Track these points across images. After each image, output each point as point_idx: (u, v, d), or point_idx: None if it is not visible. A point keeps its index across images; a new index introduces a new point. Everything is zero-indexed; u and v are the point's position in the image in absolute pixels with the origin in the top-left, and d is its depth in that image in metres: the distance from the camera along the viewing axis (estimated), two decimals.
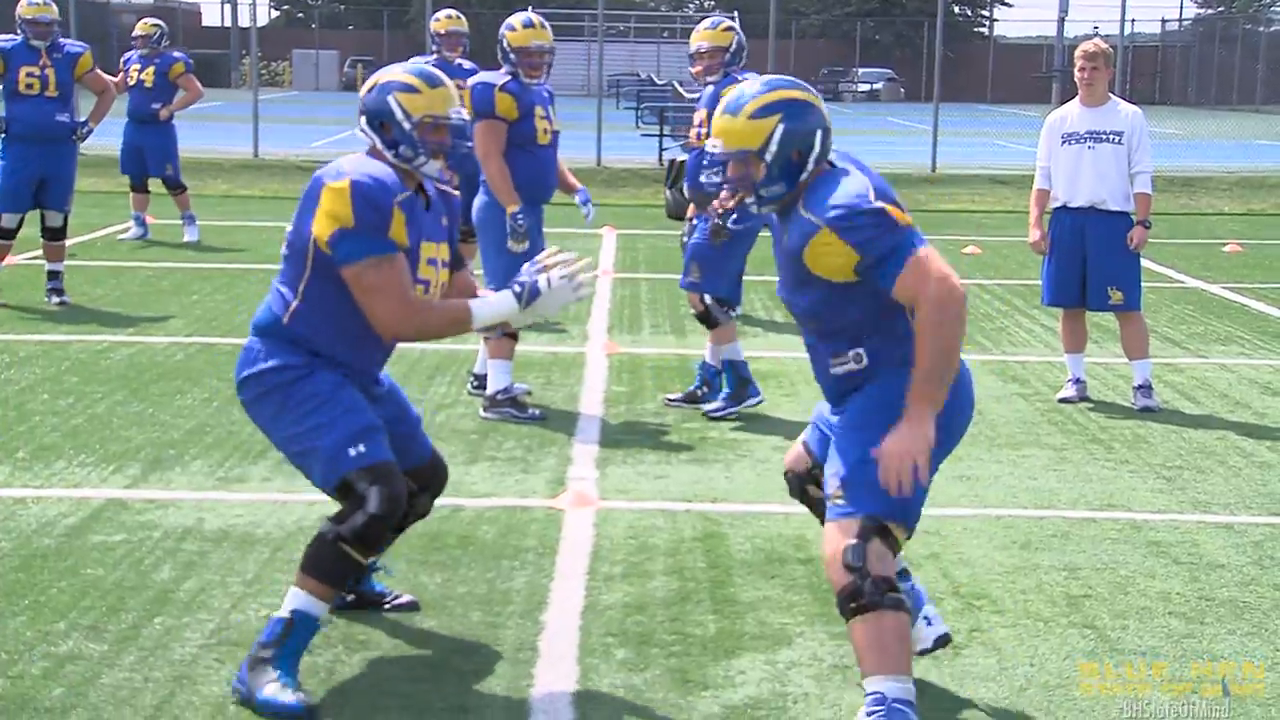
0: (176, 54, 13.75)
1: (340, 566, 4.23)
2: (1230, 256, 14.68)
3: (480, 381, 7.86)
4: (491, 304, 4.37)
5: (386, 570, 4.96)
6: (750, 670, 4.52)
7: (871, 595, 3.79)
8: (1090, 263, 8.09)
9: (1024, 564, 5.51)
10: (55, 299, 10.33)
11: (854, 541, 3.83)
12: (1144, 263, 8.94)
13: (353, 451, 4.21)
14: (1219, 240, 15.79)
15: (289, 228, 4.35)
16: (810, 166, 3.97)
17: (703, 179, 4.13)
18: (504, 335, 7.50)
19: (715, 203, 4.11)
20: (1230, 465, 6.98)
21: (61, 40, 10.44)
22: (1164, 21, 63.49)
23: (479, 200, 7.57)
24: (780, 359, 9.00)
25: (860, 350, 4.02)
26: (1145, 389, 8.08)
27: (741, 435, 7.33)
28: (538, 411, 7.56)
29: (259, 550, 5.45)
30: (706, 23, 7.90)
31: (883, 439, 3.81)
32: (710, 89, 7.71)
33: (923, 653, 4.34)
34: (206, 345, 9.14)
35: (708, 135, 7.58)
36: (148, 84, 13.47)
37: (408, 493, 4.38)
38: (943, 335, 3.80)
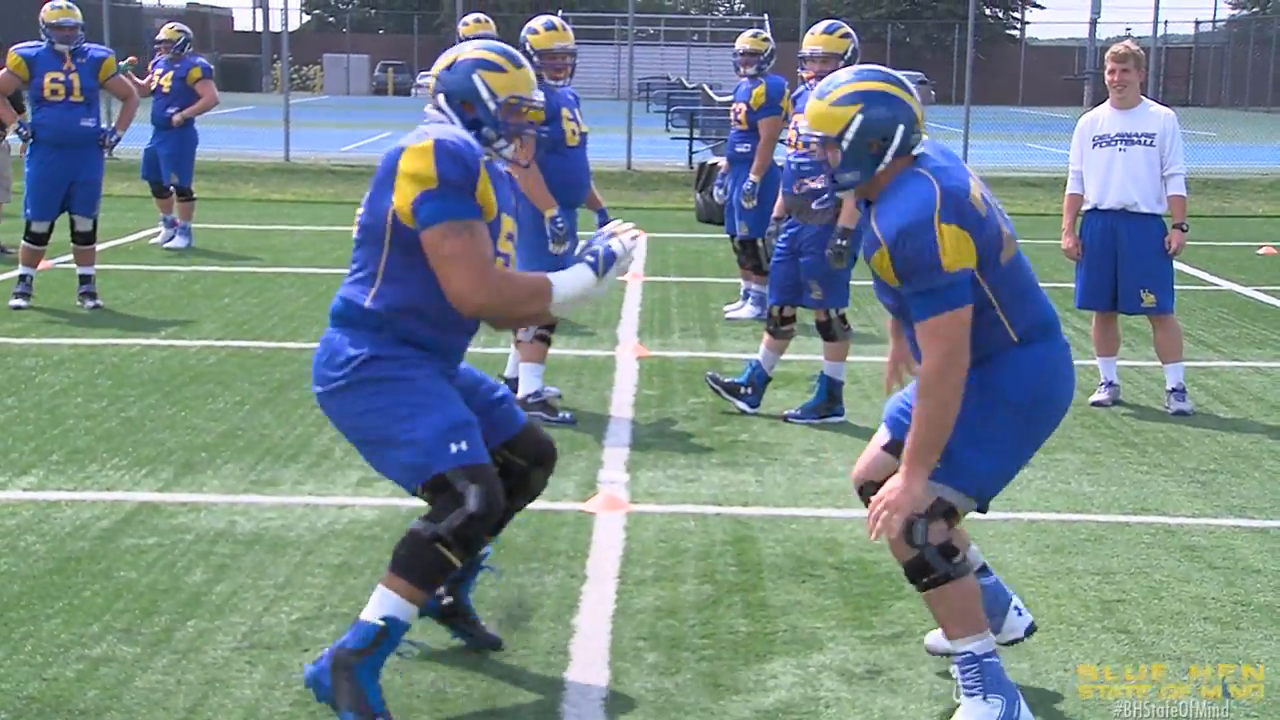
0: (195, 59, 13.74)
1: (436, 568, 4.00)
2: (1264, 259, 14.58)
3: (511, 385, 7.86)
4: (570, 277, 4.18)
5: (494, 570, 4.77)
6: (781, 674, 4.50)
7: (939, 567, 3.96)
8: (1122, 265, 8.05)
9: (1057, 568, 5.49)
10: (88, 303, 10.39)
11: (920, 518, 3.92)
12: (1177, 265, 8.90)
13: (454, 448, 3.99)
14: (1253, 243, 15.69)
15: (359, 211, 4.17)
16: (889, 159, 3.94)
17: (790, 158, 4.11)
18: (536, 338, 7.51)
19: (806, 181, 4.15)
20: (1265, 469, 6.93)
21: (86, 45, 10.46)
22: (1197, 23, 63.20)
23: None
24: (804, 361, 8.98)
25: None
26: (1179, 392, 8.03)
27: (772, 439, 7.32)
28: (569, 415, 7.57)
29: (291, 553, 5.46)
30: (822, 27, 7.77)
31: (984, 426, 3.95)
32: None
33: (1013, 642, 4.46)
34: (239, 349, 9.18)
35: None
36: (166, 89, 13.46)
37: (519, 470, 4.31)
38: (932, 404, 3.87)
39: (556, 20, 7.73)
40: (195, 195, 13.95)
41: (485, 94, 4.20)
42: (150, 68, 13.87)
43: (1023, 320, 4.01)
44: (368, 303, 4.11)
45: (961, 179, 3.94)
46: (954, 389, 3.86)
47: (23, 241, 10.42)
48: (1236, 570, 5.51)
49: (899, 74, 4.08)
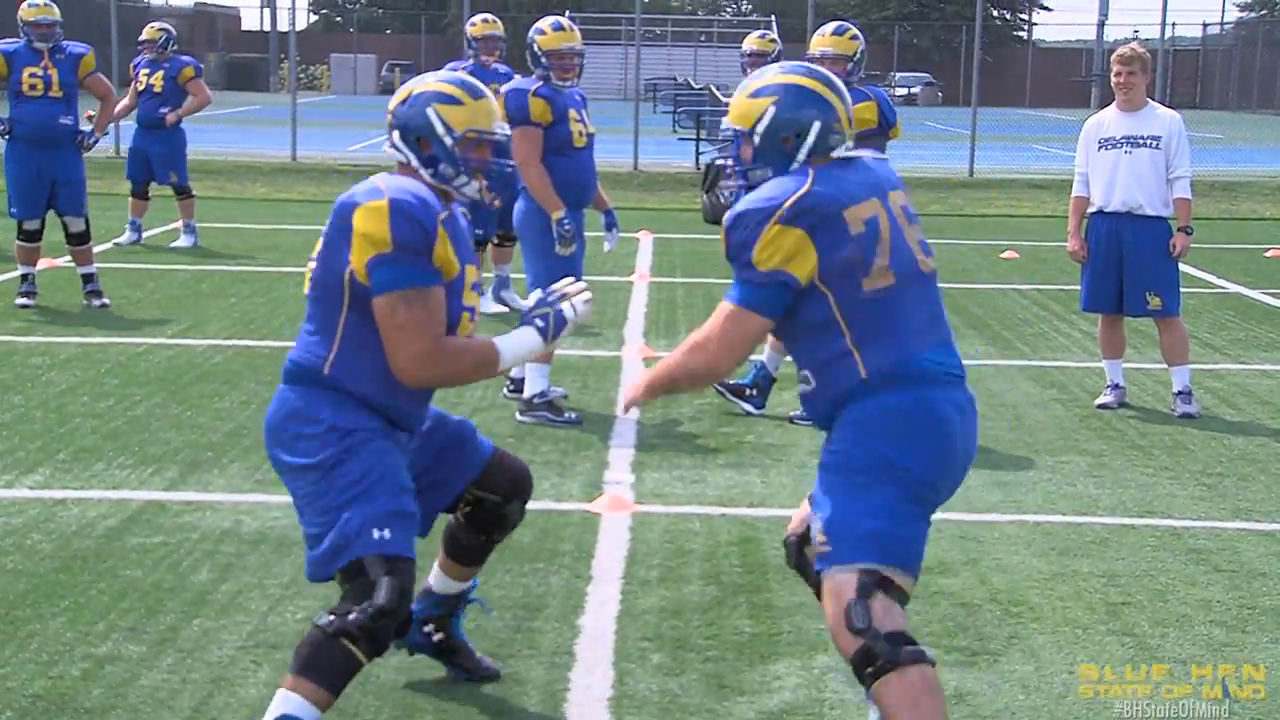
0: (185, 58, 13.71)
1: (343, 666, 3.70)
2: (1272, 261, 14.56)
3: (517, 385, 7.86)
4: (516, 342, 4.02)
5: (483, 604, 4.57)
6: (787, 676, 4.50)
7: (888, 655, 3.47)
8: (1127, 268, 8.04)
9: (1063, 571, 5.48)
10: (96, 301, 10.39)
11: (853, 601, 3.50)
12: (1184, 268, 8.90)
13: (377, 534, 3.75)
14: (1260, 245, 15.67)
15: (312, 264, 3.91)
16: (801, 157, 3.69)
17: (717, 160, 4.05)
18: None
19: (723, 181, 3.96)
20: (1272, 472, 6.92)
21: (64, 42, 10.39)
22: (1205, 25, 63.23)
23: (520, 206, 7.58)
24: None
25: (806, 372, 3.75)
26: (1185, 395, 8.02)
27: (778, 440, 7.32)
28: (574, 415, 7.57)
29: (296, 553, 5.46)
30: (831, 28, 7.71)
31: (852, 489, 3.61)
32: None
33: None
34: (245, 348, 9.19)
35: None
36: (157, 89, 13.39)
37: (492, 505, 4.19)
38: (684, 365, 3.81)
39: (564, 21, 7.73)
40: (195, 193, 13.94)
41: (441, 129, 3.92)
42: (132, 69, 13.74)
43: (877, 361, 3.61)
44: (326, 368, 3.87)
45: (848, 192, 3.64)
46: (701, 369, 3.78)
47: (16, 241, 10.40)
48: (1242, 573, 5.51)
49: (828, 72, 3.87)
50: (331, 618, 3.71)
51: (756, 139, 3.74)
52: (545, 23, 7.69)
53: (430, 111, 3.93)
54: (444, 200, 3.94)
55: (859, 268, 3.61)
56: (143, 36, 13.66)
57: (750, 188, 3.76)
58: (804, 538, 3.95)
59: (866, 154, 3.85)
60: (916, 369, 3.64)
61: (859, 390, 3.63)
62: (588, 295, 4.18)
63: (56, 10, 10.41)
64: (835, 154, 3.73)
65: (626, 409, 4.05)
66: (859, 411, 3.63)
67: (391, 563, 3.75)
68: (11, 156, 10.29)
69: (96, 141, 10.60)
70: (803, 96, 3.71)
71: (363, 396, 3.86)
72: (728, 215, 3.71)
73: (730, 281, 3.73)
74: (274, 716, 3.69)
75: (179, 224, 13.81)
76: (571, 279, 4.27)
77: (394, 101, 4.02)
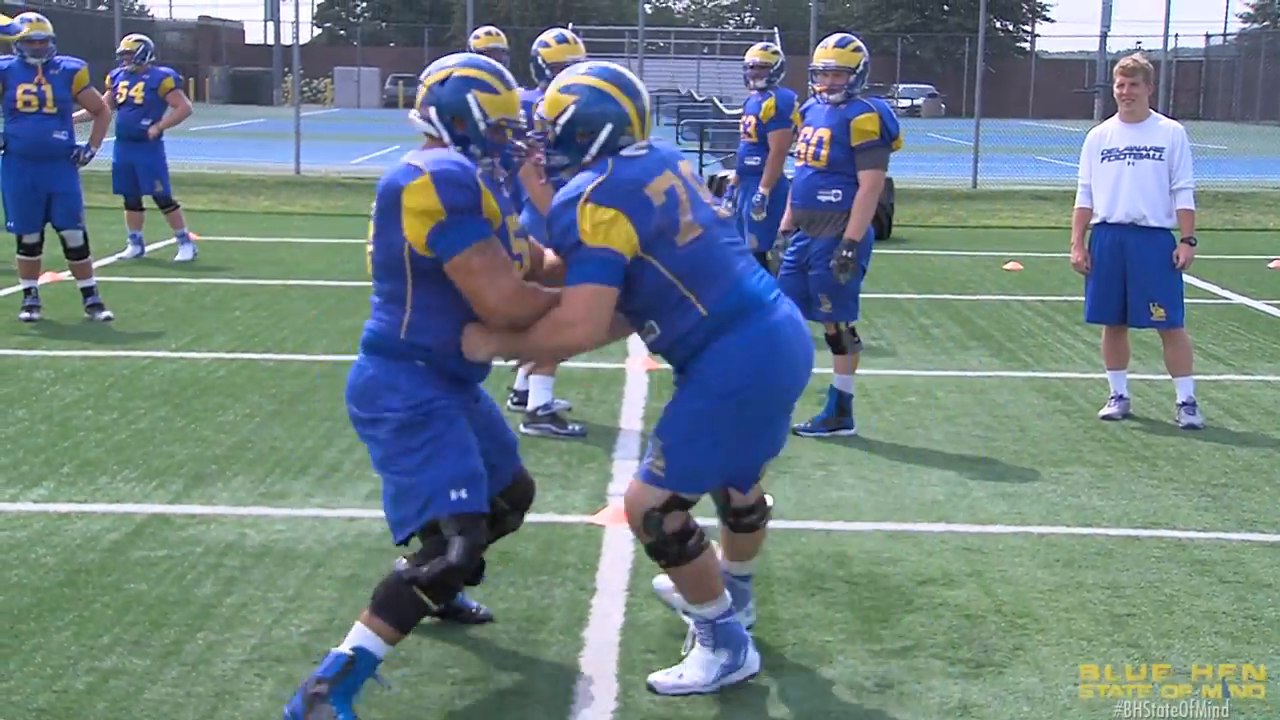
0: (164, 69, 13.70)
1: (412, 610, 4.17)
2: (1275, 273, 14.56)
3: (521, 397, 7.87)
4: None
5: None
6: (791, 688, 4.50)
7: (678, 552, 4.33)
8: (1131, 279, 8.03)
9: (1067, 582, 5.48)
10: (99, 314, 10.40)
11: (655, 511, 4.30)
12: (1187, 279, 8.89)
13: (454, 495, 4.16)
14: (1264, 256, 15.67)
15: (370, 249, 4.25)
16: (594, 151, 4.22)
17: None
18: None
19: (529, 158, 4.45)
20: (1277, 483, 6.91)
21: (58, 57, 10.41)
22: (1208, 36, 63.25)
23: (524, 218, 7.56)
24: (813, 375, 8.97)
25: (651, 322, 4.29)
26: (1189, 406, 8.02)
27: (782, 452, 7.29)
28: (578, 427, 7.57)
29: (300, 566, 5.47)
30: (834, 40, 7.68)
31: (696, 421, 4.27)
32: (824, 109, 7.60)
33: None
34: (249, 361, 9.19)
35: (827, 155, 7.63)
36: (138, 100, 13.38)
37: (500, 511, 4.53)
38: (529, 338, 4.22)
39: (568, 34, 7.76)
40: (180, 203, 13.93)
41: (477, 113, 4.26)
42: (109, 81, 13.71)
43: (713, 296, 4.22)
44: (402, 334, 4.22)
45: (645, 169, 4.21)
46: (572, 346, 4.26)
47: (17, 256, 10.41)
48: (1247, 585, 5.50)
49: (632, 77, 4.36)
50: (408, 566, 4.15)
51: (557, 129, 4.27)
52: (550, 35, 7.71)
53: (470, 96, 4.26)
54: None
55: (669, 229, 4.19)
56: (120, 48, 13.64)
57: (549, 169, 4.33)
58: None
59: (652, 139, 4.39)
60: (750, 295, 4.27)
61: (700, 326, 4.23)
62: None
63: (49, 26, 10.43)
64: (625, 152, 4.25)
65: (469, 354, 4.28)
66: (717, 350, 4.23)
67: (465, 522, 4.16)
68: (7, 172, 10.30)
69: (92, 156, 10.61)
70: (601, 99, 4.26)
71: (436, 353, 4.22)
72: (550, 209, 4.22)
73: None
74: (350, 645, 4.13)
75: (183, 242, 13.80)
76: None
77: (431, 78, 4.33)
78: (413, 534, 4.27)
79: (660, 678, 4.46)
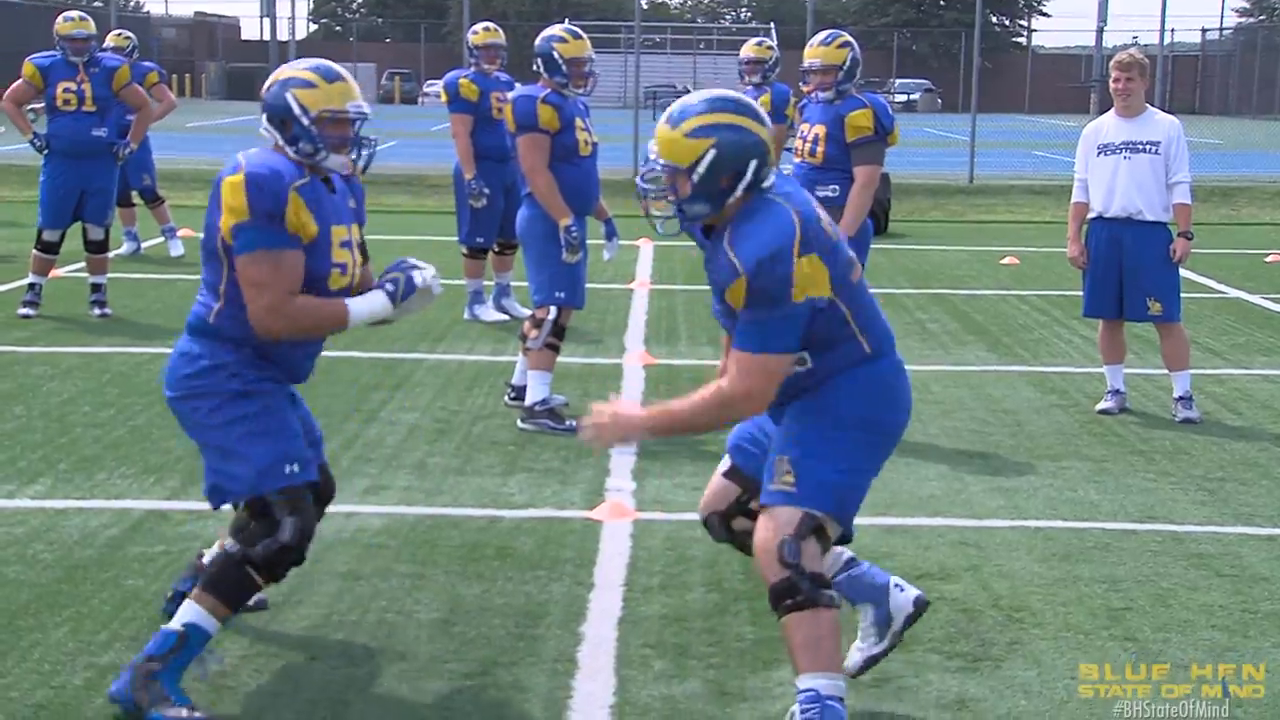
0: (148, 64, 13.70)
1: (242, 587, 4.23)
2: (1272, 266, 14.57)
3: (518, 393, 7.87)
4: (366, 304, 4.34)
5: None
6: (789, 682, 4.48)
7: (810, 593, 3.85)
8: (1127, 274, 8.04)
9: (1064, 576, 5.48)
10: (97, 311, 10.42)
11: (790, 537, 3.87)
12: (1184, 273, 8.90)
13: (288, 469, 4.22)
14: (1260, 250, 15.68)
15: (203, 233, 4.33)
16: (739, 193, 3.88)
17: (637, 179, 4.11)
18: (545, 346, 7.52)
19: (644, 203, 4.09)
20: (1274, 477, 6.92)
21: (99, 55, 10.53)
22: (1204, 31, 63.26)
23: (523, 213, 7.58)
24: None
25: (805, 354, 3.94)
26: (1186, 400, 8.02)
27: None
28: (575, 423, 7.54)
29: None
30: (820, 38, 7.69)
31: (831, 442, 3.93)
32: (819, 105, 7.61)
33: (909, 620, 4.36)
34: None
35: (823, 151, 7.61)
36: None
37: None
38: (700, 416, 3.92)
39: (579, 30, 7.80)
40: (165, 197, 13.93)
41: (298, 110, 4.29)
42: None
43: (874, 334, 4.00)
44: (212, 319, 4.29)
45: (811, 206, 3.92)
46: (721, 419, 3.94)
47: (34, 251, 10.45)
48: (1244, 578, 5.51)
49: (751, 101, 3.98)
50: (239, 546, 4.22)
51: (696, 178, 3.88)
52: (563, 31, 7.71)
53: (289, 95, 4.31)
54: (307, 171, 4.28)
55: (847, 265, 3.95)
56: (108, 44, 13.62)
57: (685, 219, 3.98)
58: (726, 513, 4.28)
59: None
60: (892, 338, 4.09)
61: (862, 362, 3.97)
62: (434, 270, 4.53)
63: (92, 24, 10.51)
64: (766, 184, 3.91)
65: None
66: (854, 379, 3.97)
67: (295, 501, 4.23)
68: (47, 169, 10.39)
69: (131, 152, 10.68)
70: (740, 135, 3.87)
71: (246, 344, 4.26)
72: (744, 265, 3.78)
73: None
74: (180, 622, 4.18)
75: (170, 236, 13.74)
76: (412, 259, 4.52)
77: (264, 88, 4.40)
78: (233, 502, 4.30)
79: None
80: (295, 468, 4.23)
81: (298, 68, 4.39)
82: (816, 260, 3.81)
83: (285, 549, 4.20)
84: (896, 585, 4.39)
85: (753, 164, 3.87)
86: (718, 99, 3.96)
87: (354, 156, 4.38)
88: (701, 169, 3.86)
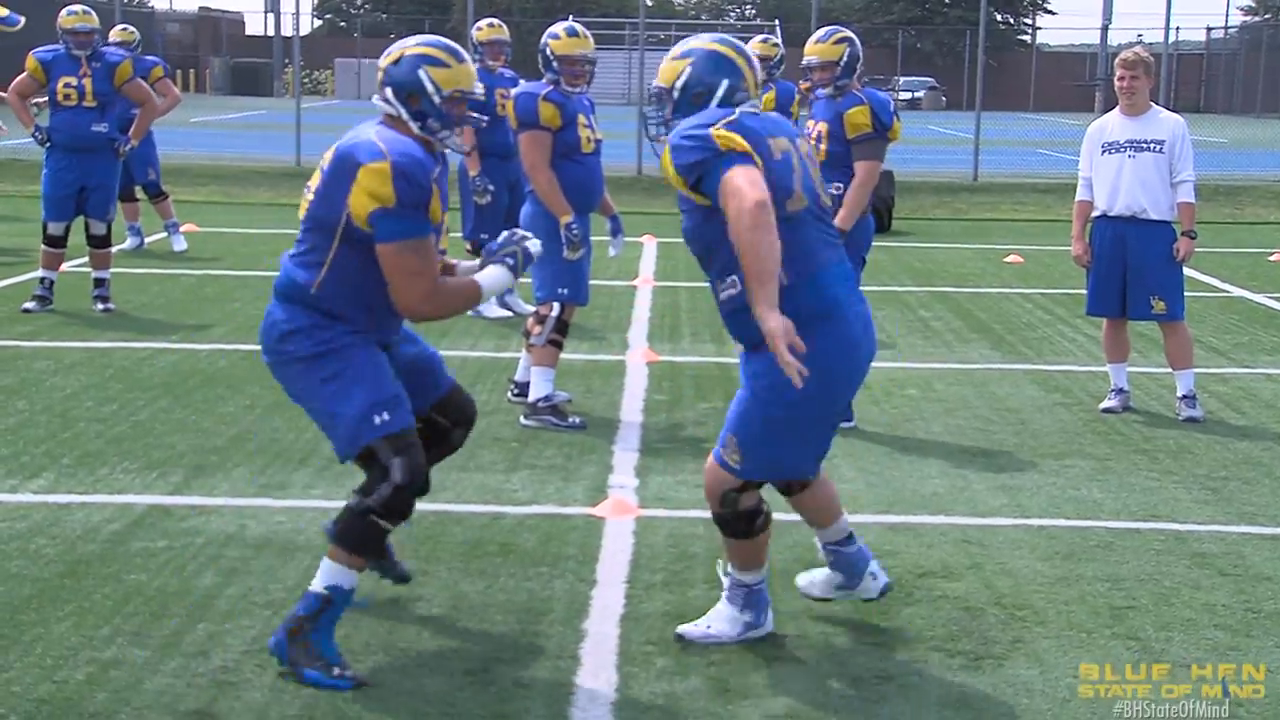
0: (151, 58, 13.69)
1: (371, 537, 4.39)
2: (1276, 265, 14.56)
3: (521, 389, 7.87)
4: (493, 277, 4.54)
5: (410, 530, 5.09)
6: (791, 680, 4.50)
7: (743, 530, 4.61)
8: (1131, 272, 8.03)
9: (1067, 575, 5.48)
10: (100, 306, 10.42)
11: (732, 491, 4.55)
12: (1188, 272, 8.89)
13: (377, 420, 4.33)
14: (1265, 249, 15.67)
15: (309, 196, 4.43)
16: (712, 107, 4.36)
17: (640, 107, 4.63)
18: (549, 342, 7.52)
19: (649, 133, 4.63)
20: (1277, 476, 6.92)
21: (103, 49, 10.50)
22: (1209, 29, 63.16)
23: (527, 209, 7.58)
24: None
25: (734, 277, 4.34)
26: (1190, 399, 8.02)
27: None
28: (578, 419, 7.57)
29: (300, 557, 5.47)
30: (818, 34, 7.68)
31: (774, 424, 4.41)
32: (823, 103, 7.61)
33: (869, 600, 4.95)
34: (249, 352, 9.18)
35: (826, 149, 7.64)
36: None
37: (441, 429, 4.71)
38: (742, 244, 4.11)
39: (579, 28, 7.74)
40: (169, 191, 13.93)
41: (430, 88, 4.42)
42: None
43: (794, 272, 4.27)
44: (313, 288, 4.42)
45: (766, 124, 4.36)
46: (757, 227, 4.07)
47: (42, 245, 10.45)
48: (1247, 577, 5.50)
49: (747, 46, 4.59)
50: (359, 498, 4.36)
51: (675, 94, 4.44)
52: (560, 28, 7.69)
53: (421, 72, 4.43)
54: (431, 152, 4.43)
55: (782, 189, 4.28)
56: (113, 39, 13.61)
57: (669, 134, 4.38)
58: None
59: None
60: (825, 281, 4.36)
61: (781, 296, 4.14)
62: (536, 241, 4.70)
63: (95, 18, 10.48)
64: (744, 108, 4.38)
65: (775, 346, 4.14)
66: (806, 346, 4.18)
67: (397, 441, 4.34)
68: (48, 163, 10.38)
69: (132, 148, 10.66)
70: (715, 60, 4.43)
71: (343, 312, 4.40)
72: (671, 140, 4.30)
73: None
74: (322, 585, 4.38)
75: (173, 232, 13.74)
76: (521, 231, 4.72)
77: (385, 60, 4.52)
78: (351, 458, 4.44)
79: (689, 628, 4.73)
80: (385, 415, 4.33)
81: (425, 45, 4.51)
82: (742, 140, 4.22)
83: (399, 490, 4.32)
84: (872, 573, 4.90)
85: (724, 83, 4.40)
86: (713, 36, 4.55)
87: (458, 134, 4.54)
88: (679, 84, 4.44)
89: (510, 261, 4.55)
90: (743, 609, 4.72)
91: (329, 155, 4.42)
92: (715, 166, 4.21)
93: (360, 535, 4.38)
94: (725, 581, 4.80)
